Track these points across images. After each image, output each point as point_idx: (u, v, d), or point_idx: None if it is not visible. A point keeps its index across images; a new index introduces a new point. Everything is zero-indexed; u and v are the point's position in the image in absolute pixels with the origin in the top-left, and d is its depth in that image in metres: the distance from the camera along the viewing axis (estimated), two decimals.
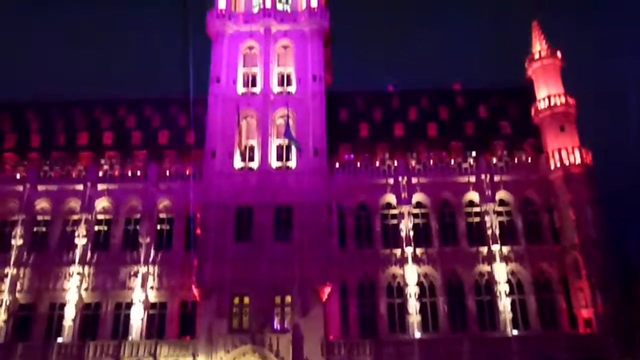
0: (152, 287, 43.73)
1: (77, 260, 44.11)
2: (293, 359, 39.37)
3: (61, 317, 42.80)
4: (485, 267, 44.12)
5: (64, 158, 49.30)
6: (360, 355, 40.02)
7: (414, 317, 42.27)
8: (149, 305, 43.37)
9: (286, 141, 45.85)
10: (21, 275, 44.17)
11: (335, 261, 43.31)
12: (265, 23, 50.41)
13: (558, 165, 45.88)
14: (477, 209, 46.23)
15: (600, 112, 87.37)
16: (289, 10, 52.12)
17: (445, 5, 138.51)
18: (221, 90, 47.91)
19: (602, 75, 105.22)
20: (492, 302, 43.22)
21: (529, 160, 47.68)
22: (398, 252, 44.39)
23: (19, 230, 45.17)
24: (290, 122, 45.45)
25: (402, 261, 44.02)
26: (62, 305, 43.16)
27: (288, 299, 41.52)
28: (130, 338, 41.71)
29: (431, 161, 47.60)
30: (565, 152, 45.96)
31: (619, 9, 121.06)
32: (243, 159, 45.77)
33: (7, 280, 43.58)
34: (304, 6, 51.74)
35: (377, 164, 47.56)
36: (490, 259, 44.14)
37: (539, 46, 51.30)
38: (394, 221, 45.70)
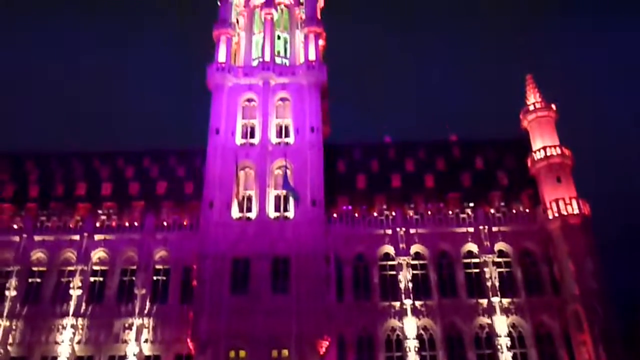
0: (146, 340, 42.83)
1: (71, 312, 43.51)
2: None
3: None
4: (485, 320, 43.40)
5: (61, 208, 49.24)
6: None
7: None
8: (143, 359, 42.46)
9: (284, 192, 45.96)
10: (14, 327, 43.46)
11: (333, 314, 42.66)
12: (264, 76, 51.30)
13: (556, 215, 45.71)
14: (475, 260, 45.87)
15: (597, 162, 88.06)
16: (287, 63, 53.25)
17: (442, 61, 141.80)
18: (220, 141, 48.33)
19: (599, 125, 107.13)
20: (493, 355, 42.22)
21: (527, 211, 47.63)
22: (397, 304, 43.75)
23: (13, 282, 44.73)
24: (288, 172, 45.67)
25: (401, 313, 43.34)
26: (54, 359, 42.22)
27: (285, 352, 40.67)
28: None
29: (429, 212, 47.53)
30: (562, 202, 45.87)
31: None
32: (241, 210, 45.79)
33: (0, 333, 42.87)
34: (302, 60, 52.92)
35: (375, 214, 47.51)
36: (490, 311, 43.48)
37: (533, 98, 52.08)
38: (392, 272, 45.25)
